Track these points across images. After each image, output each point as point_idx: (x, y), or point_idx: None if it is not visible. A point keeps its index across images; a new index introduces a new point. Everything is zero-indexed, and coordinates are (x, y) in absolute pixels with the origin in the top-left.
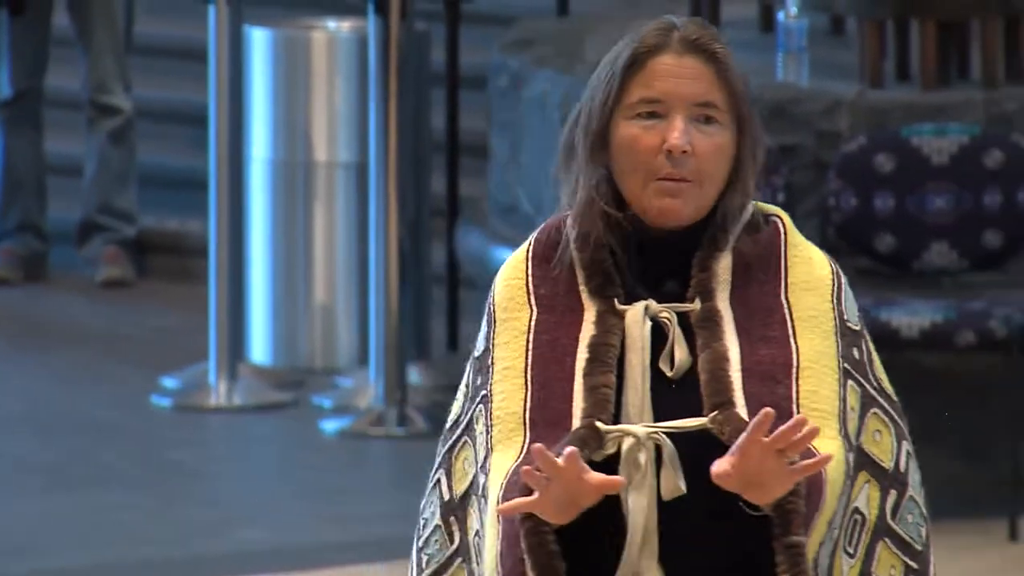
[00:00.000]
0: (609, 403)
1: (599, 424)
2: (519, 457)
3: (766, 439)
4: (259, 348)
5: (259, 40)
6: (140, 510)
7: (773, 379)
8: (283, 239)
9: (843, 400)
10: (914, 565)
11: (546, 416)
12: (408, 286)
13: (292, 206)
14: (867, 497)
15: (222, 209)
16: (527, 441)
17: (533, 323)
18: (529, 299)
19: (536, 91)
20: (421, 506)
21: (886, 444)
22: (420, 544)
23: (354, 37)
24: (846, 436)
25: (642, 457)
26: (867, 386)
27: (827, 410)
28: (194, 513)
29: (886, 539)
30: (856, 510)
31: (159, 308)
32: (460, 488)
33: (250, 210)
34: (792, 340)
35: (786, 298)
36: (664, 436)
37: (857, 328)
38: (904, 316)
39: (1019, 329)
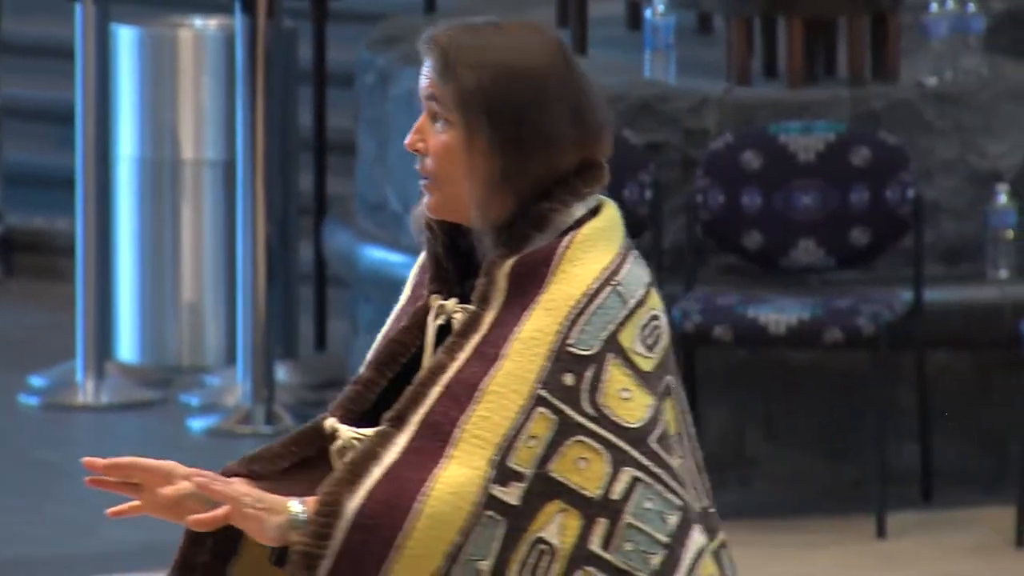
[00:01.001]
0: (357, 400)
1: (328, 421)
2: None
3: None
4: (126, 346)
5: (126, 38)
6: (9, 509)
7: (458, 400)
8: (150, 237)
9: (519, 428)
10: None
11: (346, 406)
12: (276, 284)
13: (159, 204)
14: (560, 526)
15: (89, 207)
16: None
17: (397, 311)
18: (409, 286)
19: (403, 89)
20: None
21: (595, 472)
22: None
23: (221, 35)
24: (501, 466)
25: (349, 457)
26: (571, 413)
27: (487, 438)
28: (63, 512)
29: (590, 568)
30: (541, 540)
31: (26, 306)
32: None
33: (117, 208)
34: (499, 360)
35: (527, 315)
36: (355, 443)
37: (586, 353)
38: (772, 313)
39: (886, 326)
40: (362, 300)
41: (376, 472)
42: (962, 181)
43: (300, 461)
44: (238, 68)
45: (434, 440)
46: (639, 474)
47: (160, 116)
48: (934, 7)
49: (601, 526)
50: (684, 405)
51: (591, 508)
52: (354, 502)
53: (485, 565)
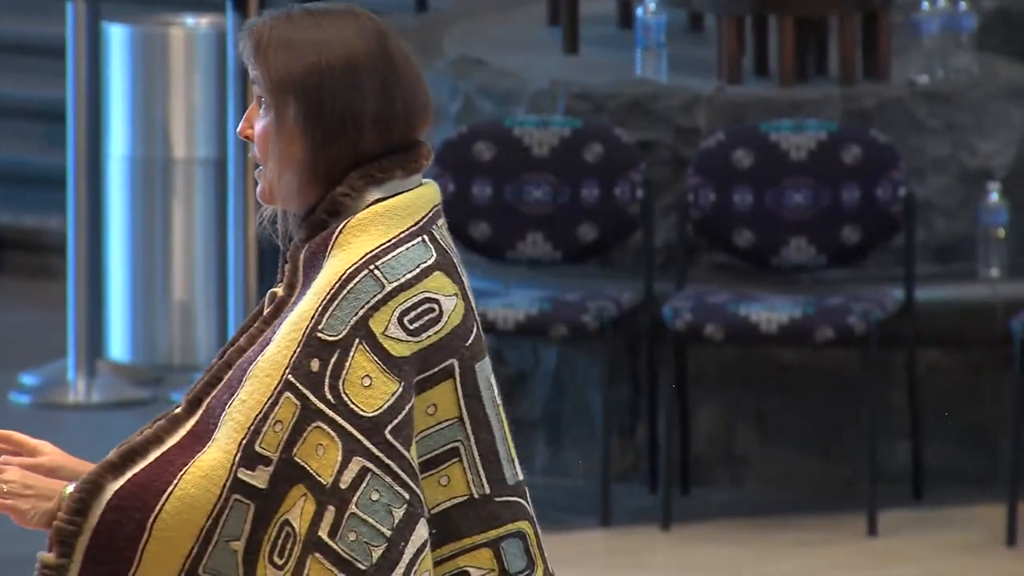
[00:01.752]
0: (208, 387)
1: (178, 411)
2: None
3: None
4: (118, 345)
5: (117, 36)
6: None
7: (231, 385)
8: (142, 236)
9: (267, 413)
10: None
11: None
12: (266, 282)
13: (150, 202)
14: (300, 510)
15: (80, 206)
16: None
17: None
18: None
19: None
20: None
21: (329, 459)
22: None
23: (212, 33)
24: (249, 449)
25: (131, 441)
26: (314, 400)
27: (242, 422)
28: None
29: (317, 554)
30: (287, 522)
31: (17, 305)
32: None
33: (108, 207)
34: (266, 346)
35: (299, 300)
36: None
37: (333, 338)
38: (763, 311)
39: (877, 324)
40: None
41: (152, 455)
42: (953, 180)
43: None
44: (229, 67)
45: (210, 425)
46: (369, 464)
47: (151, 115)
48: (925, 6)
49: (330, 514)
50: (485, 384)
51: (323, 495)
52: (116, 484)
53: (238, 545)
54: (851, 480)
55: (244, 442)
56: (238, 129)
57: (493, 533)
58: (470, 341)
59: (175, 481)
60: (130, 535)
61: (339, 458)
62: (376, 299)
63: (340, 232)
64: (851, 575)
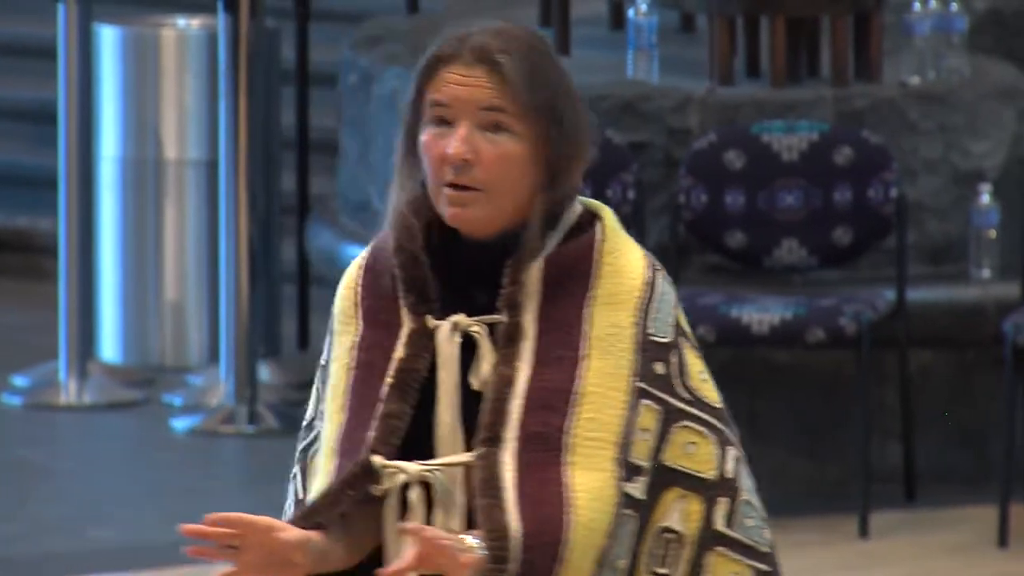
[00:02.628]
0: (395, 434)
1: (374, 459)
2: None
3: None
4: (109, 346)
5: (108, 37)
6: None
7: (550, 408)
8: (133, 237)
9: (630, 424)
10: (763, 567)
11: (347, 448)
12: (258, 284)
13: (142, 204)
14: (682, 513)
15: (72, 207)
16: (333, 469)
17: (358, 339)
18: (357, 313)
19: (386, 88)
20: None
21: (704, 454)
22: (303, 447)
23: (204, 34)
24: (626, 463)
25: (413, 495)
26: (672, 400)
27: (605, 438)
28: (44, 511)
29: (719, 548)
30: (666, 529)
31: (8, 306)
32: (312, 490)
33: (100, 208)
34: (581, 362)
35: (588, 313)
36: (436, 474)
37: (666, 340)
38: (755, 312)
39: (868, 326)
40: None
41: (507, 494)
42: (945, 181)
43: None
44: (221, 68)
45: (544, 451)
46: (737, 452)
47: (143, 116)
48: (917, 6)
49: (723, 505)
50: None
51: (711, 490)
52: (513, 523)
53: (623, 563)
54: (843, 481)
55: (618, 457)
56: (454, 152)
57: None
58: None
59: (569, 510)
60: (545, 570)
61: (715, 451)
62: (675, 298)
63: (602, 240)
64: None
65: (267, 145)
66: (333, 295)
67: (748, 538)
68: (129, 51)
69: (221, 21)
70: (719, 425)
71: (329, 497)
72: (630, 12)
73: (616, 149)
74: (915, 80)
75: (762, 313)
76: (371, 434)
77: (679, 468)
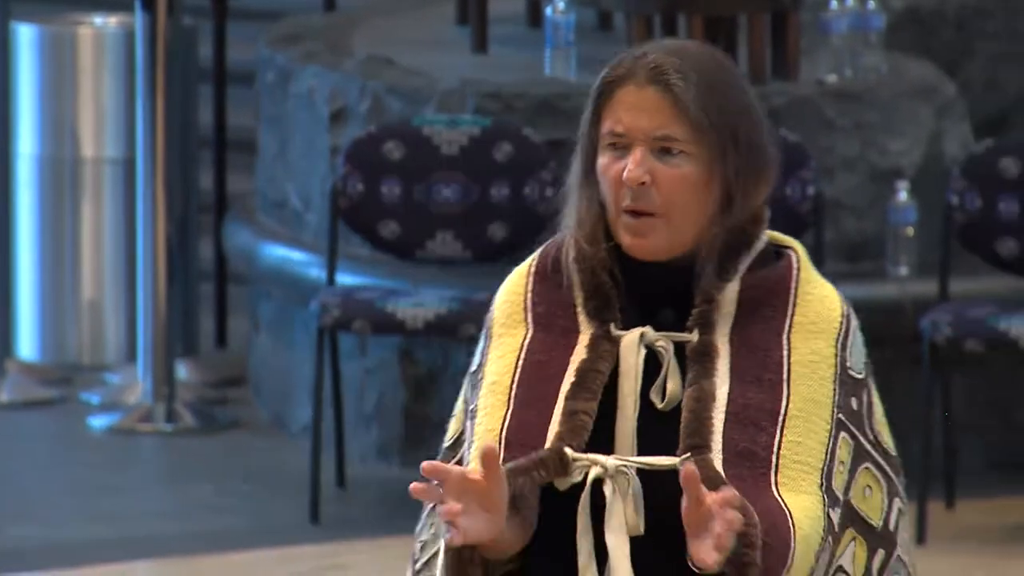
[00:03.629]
0: (585, 430)
1: (567, 450)
2: None
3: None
4: (27, 344)
5: (26, 36)
6: None
7: (756, 425)
8: (51, 235)
9: (830, 453)
10: None
11: (522, 437)
12: (176, 282)
13: (60, 202)
14: (852, 555)
15: None
16: (503, 461)
17: (527, 341)
18: (526, 316)
19: (304, 87)
20: (417, 529)
21: (876, 501)
22: (418, 568)
23: (121, 32)
24: (828, 491)
25: (608, 489)
26: (861, 439)
27: (810, 463)
28: None
29: None
30: (841, 568)
31: None
32: None
33: (17, 206)
34: (785, 385)
35: (788, 339)
36: (632, 471)
37: (860, 377)
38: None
39: None
40: (263, 297)
41: (735, 491)
42: (862, 179)
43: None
44: (138, 66)
45: (751, 468)
46: (902, 505)
47: (60, 114)
48: (834, 5)
49: (880, 557)
50: None
51: (874, 539)
52: (754, 517)
53: None
54: None
55: (822, 483)
56: (633, 176)
57: None
58: None
59: (789, 522)
60: (774, 570)
61: (884, 500)
62: (862, 337)
63: (799, 270)
64: None
65: (185, 143)
66: (250, 293)
67: None
68: (47, 49)
69: (138, 19)
70: (891, 474)
71: (518, 470)
72: (547, 10)
73: (534, 147)
74: (832, 78)
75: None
76: (555, 428)
77: (857, 509)
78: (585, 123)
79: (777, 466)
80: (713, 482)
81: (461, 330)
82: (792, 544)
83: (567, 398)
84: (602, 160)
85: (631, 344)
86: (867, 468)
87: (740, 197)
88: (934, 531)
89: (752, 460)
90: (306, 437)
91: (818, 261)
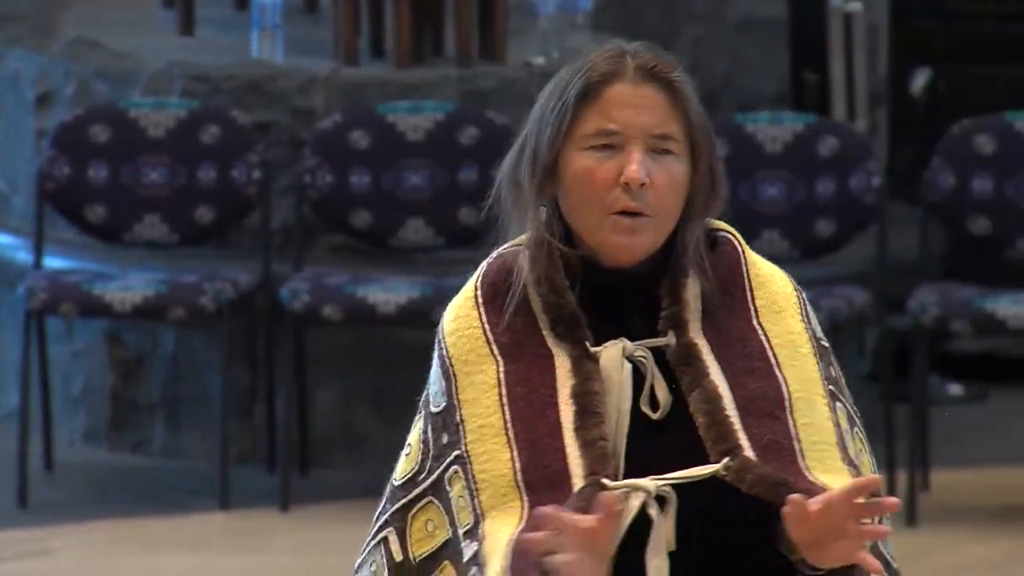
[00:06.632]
0: (608, 457)
1: (605, 481)
2: (522, 521)
3: (860, 501)
4: None
5: None
6: None
7: (770, 415)
8: None
9: (836, 425)
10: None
11: (542, 477)
12: None
13: None
14: None
15: None
16: (526, 504)
17: (502, 375)
18: (491, 349)
19: (9, 70)
20: (356, 563)
21: (867, 466)
22: None
23: None
24: (850, 461)
25: (653, 512)
26: (848, 404)
27: (827, 440)
28: None
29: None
30: None
31: None
32: (420, 550)
33: None
34: (777, 370)
35: (759, 324)
36: (671, 489)
37: (827, 344)
38: (381, 292)
39: None
40: None
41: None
42: None
43: None
44: None
45: (781, 459)
46: (874, 467)
47: None
48: None
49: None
50: None
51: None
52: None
53: None
54: None
55: (843, 456)
56: (638, 176)
57: None
58: None
59: None
60: None
61: (872, 462)
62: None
63: (743, 252)
64: None
65: None
66: None
67: (887, 551)
68: None
69: None
70: (863, 436)
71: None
72: None
73: (241, 129)
74: (540, 60)
75: (388, 293)
76: (579, 462)
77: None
78: (553, 129)
79: (801, 451)
80: (763, 479)
81: (169, 313)
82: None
83: (576, 428)
84: (582, 163)
85: (614, 360)
86: (856, 432)
87: (706, 195)
88: None
89: (779, 451)
90: (13, 421)
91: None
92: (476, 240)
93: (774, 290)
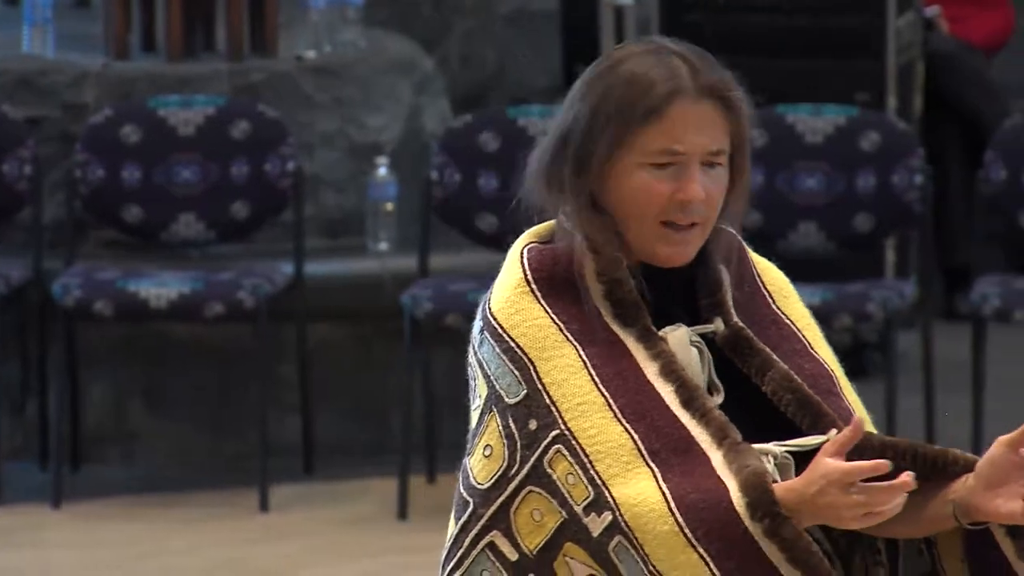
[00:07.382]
0: (730, 425)
1: (758, 447)
2: (664, 482)
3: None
4: None
5: None
6: None
7: (832, 392)
8: None
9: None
10: None
11: (667, 445)
12: None
13: None
14: None
15: None
16: (657, 471)
17: (586, 358)
18: (565, 336)
19: None
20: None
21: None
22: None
23: None
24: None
25: (777, 475)
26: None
27: (867, 416)
28: None
29: None
30: None
31: None
32: (535, 542)
33: None
34: (814, 351)
35: (779, 308)
36: (789, 456)
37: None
38: (153, 287)
39: (266, 299)
40: None
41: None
42: (342, 154)
43: None
44: None
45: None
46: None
47: None
48: None
49: None
50: None
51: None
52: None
53: None
54: (244, 454)
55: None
56: (696, 196)
57: None
58: None
59: None
60: None
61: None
62: None
63: (741, 242)
64: (243, 551)
65: None
66: None
67: None
68: None
69: None
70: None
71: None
72: None
73: (12, 124)
74: (311, 54)
75: (160, 288)
76: (698, 430)
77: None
78: (609, 140)
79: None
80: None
81: None
82: None
83: (684, 402)
84: (640, 179)
85: (681, 341)
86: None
87: (739, 194)
88: (415, 506)
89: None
90: None
91: (298, 236)
92: (248, 234)
93: (774, 276)
